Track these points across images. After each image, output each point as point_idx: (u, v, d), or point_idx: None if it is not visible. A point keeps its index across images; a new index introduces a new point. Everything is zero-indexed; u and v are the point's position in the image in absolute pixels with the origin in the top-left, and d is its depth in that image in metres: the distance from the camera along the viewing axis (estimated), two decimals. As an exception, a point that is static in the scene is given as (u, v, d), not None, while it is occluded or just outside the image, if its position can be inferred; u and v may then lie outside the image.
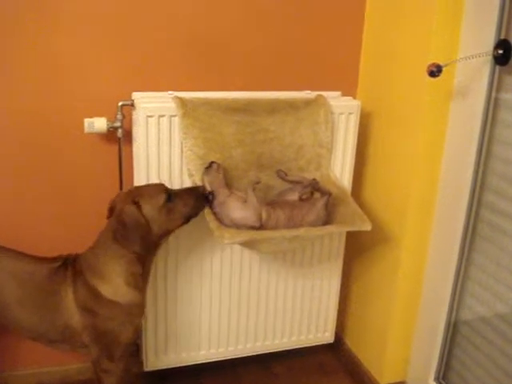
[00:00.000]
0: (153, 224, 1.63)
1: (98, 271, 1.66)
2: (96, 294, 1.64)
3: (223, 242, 1.66)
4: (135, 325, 1.72)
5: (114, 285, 1.65)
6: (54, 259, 1.72)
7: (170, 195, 1.66)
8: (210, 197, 1.74)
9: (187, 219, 1.71)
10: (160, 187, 1.69)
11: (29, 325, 1.70)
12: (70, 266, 1.69)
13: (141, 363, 2.09)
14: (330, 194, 1.85)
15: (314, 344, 2.33)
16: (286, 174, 1.91)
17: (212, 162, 1.77)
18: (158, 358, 2.07)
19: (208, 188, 1.76)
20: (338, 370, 2.39)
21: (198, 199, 1.72)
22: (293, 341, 2.28)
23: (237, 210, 1.74)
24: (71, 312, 1.66)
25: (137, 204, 1.61)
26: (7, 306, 1.67)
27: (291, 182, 1.90)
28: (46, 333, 1.70)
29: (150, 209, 1.63)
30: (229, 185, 1.81)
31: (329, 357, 2.45)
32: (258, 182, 1.82)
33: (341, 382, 2.32)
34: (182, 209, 1.68)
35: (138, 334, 1.77)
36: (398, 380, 2.21)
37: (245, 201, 1.75)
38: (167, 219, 1.66)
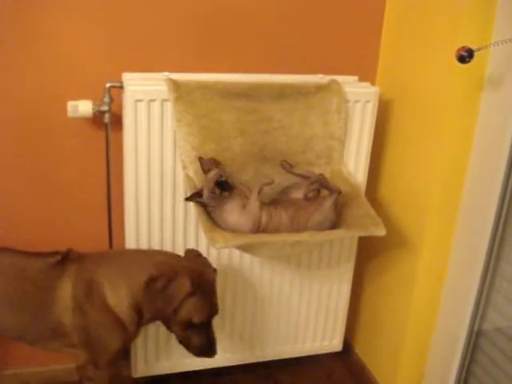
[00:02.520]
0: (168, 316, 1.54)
1: (113, 281, 1.57)
2: (100, 298, 1.56)
3: (215, 247, 1.49)
4: (127, 341, 1.64)
5: (121, 300, 1.56)
6: (50, 254, 1.64)
7: (203, 324, 1.56)
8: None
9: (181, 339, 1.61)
10: (209, 306, 1.56)
11: (15, 322, 1.64)
12: (74, 261, 1.62)
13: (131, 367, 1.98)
14: (339, 192, 1.68)
15: (320, 352, 2.19)
16: (292, 166, 1.74)
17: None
18: (148, 365, 1.95)
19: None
20: (345, 380, 2.26)
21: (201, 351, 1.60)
22: (297, 348, 2.14)
23: (233, 214, 1.58)
24: (65, 308, 1.59)
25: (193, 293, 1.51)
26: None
27: (297, 175, 1.73)
28: (33, 330, 1.64)
29: (188, 309, 1.52)
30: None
31: (336, 366, 2.31)
32: (269, 183, 1.62)
33: (348, 394, 2.17)
34: (185, 339, 1.59)
35: (128, 347, 1.70)
36: (411, 397, 2.05)
37: (245, 205, 1.58)
38: (174, 325, 1.56)
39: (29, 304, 1.61)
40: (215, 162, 1.62)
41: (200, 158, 1.62)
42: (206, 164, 1.62)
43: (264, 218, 1.59)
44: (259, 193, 1.58)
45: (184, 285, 1.49)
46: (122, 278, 1.57)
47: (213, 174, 1.57)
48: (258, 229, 1.58)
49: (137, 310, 1.57)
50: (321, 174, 1.72)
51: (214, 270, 1.62)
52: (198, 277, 1.52)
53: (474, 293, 1.79)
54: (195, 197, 1.59)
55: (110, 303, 1.56)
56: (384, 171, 2.01)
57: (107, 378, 1.65)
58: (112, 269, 1.60)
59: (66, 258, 1.63)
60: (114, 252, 1.69)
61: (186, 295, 1.49)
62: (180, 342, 1.59)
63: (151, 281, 1.49)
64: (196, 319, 1.53)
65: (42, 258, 1.63)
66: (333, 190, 1.68)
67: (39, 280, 1.61)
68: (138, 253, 1.69)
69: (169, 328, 1.58)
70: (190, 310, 1.51)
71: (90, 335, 1.59)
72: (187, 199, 1.60)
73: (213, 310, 1.57)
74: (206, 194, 1.57)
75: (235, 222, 1.56)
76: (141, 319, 1.59)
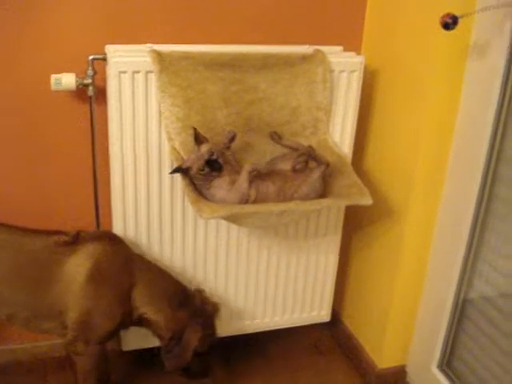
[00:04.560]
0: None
1: (146, 285, 1.67)
2: (126, 290, 1.63)
3: (202, 217, 1.48)
4: (124, 324, 1.69)
5: (141, 302, 1.65)
6: (53, 232, 1.65)
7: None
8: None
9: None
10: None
11: (10, 298, 1.61)
12: (90, 241, 1.63)
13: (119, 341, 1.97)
14: (327, 165, 1.66)
15: (308, 323, 2.19)
16: (280, 138, 1.72)
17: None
18: (137, 339, 1.92)
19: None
20: (334, 350, 2.27)
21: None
22: (285, 319, 2.13)
23: (220, 191, 1.57)
24: (73, 284, 1.58)
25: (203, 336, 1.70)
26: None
27: (285, 146, 1.72)
28: (28, 308, 1.61)
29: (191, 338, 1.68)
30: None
31: (325, 337, 2.33)
32: (256, 170, 1.59)
33: (337, 364, 2.20)
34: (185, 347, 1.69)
35: (121, 329, 1.72)
36: (398, 364, 2.08)
37: (233, 182, 1.57)
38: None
39: (26, 280, 1.59)
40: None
41: (195, 129, 1.59)
42: (200, 135, 1.59)
43: (252, 194, 1.58)
44: (250, 173, 1.56)
45: (196, 335, 1.67)
46: (150, 293, 1.66)
47: (205, 150, 1.55)
48: (245, 203, 1.57)
49: (142, 319, 1.67)
50: (309, 146, 1.70)
51: (216, 305, 1.78)
52: (205, 321, 1.71)
53: (460, 261, 1.79)
54: (181, 171, 1.57)
55: (133, 297, 1.63)
56: (370, 141, 1.99)
57: (97, 353, 1.65)
58: (147, 273, 1.67)
59: (76, 238, 1.63)
60: (141, 257, 1.73)
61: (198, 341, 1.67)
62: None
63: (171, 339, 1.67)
64: (199, 350, 1.68)
65: (45, 236, 1.62)
66: (321, 162, 1.67)
67: (42, 257, 1.60)
68: (161, 276, 1.74)
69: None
70: (197, 346, 1.68)
71: (90, 314, 1.58)
72: (172, 173, 1.58)
73: (212, 339, 1.73)
74: (194, 170, 1.55)
75: (222, 198, 1.55)
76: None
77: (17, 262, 1.59)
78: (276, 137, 1.71)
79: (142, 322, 1.67)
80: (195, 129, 1.58)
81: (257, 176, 1.61)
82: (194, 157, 1.56)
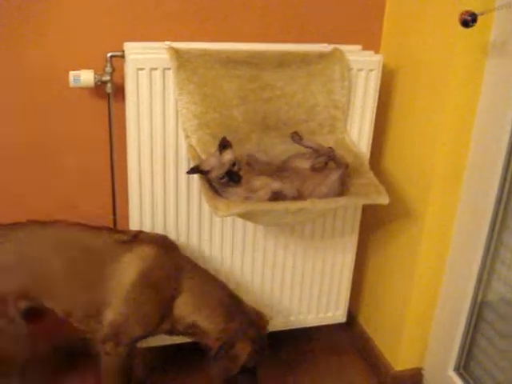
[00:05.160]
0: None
1: (194, 294, 1.67)
2: (170, 295, 1.63)
3: (217, 215, 1.48)
4: (152, 333, 1.69)
5: (186, 313, 1.66)
6: (113, 230, 1.74)
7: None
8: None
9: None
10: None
11: (68, 295, 1.62)
12: (147, 242, 1.65)
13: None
14: (346, 166, 1.65)
15: (324, 323, 2.18)
16: (301, 138, 1.71)
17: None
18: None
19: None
20: (349, 351, 2.26)
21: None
22: (301, 320, 2.13)
23: (234, 197, 1.56)
24: (121, 283, 1.59)
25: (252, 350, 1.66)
26: (52, 279, 1.60)
27: (306, 147, 1.71)
28: (82, 305, 1.63)
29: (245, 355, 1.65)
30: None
31: (340, 338, 2.31)
32: (278, 192, 1.58)
33: (353, 365, 2.19)
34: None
35: (148, 337, 1.71)
36: (414, 367, 2.06)
37: (249, 189, 1.57)
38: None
39: (83, 276, 1.61)
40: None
41: (224, 137, 1.57)
42: (224, 140, 1.57)
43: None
44: (274, 193, 1.56)
45: (246, 349, 1.63)
46: (198, 304, 1.66)
47: (227, 159, 1.53)
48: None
49: (186, 332, 1.68)
50: (330, 148, 1.69)
51: (265, 319, 1.77)
52: (255, 335, 1.67)
53: (478, 263, 1.77)
54: (199, 172, 1.56)
55: (176, 306, 1.62)
56: (388, 141, 1.98)
57: (125, 354, 1.66)
58: (196, 285, 1.67)
59: (135, 238, 1.65)
60: (195, 266, 1.74)
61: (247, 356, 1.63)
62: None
63: (221, 348, 1.63)
64: (249, 365, 1.65)
65: (107, 234, 1.65)
66: (340, 164, 1.66)
67: (99, 254, 1.61)
68: (214, 285, 1.74)
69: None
70: (247, 361, 1.65)
71: (128, 318, 1.59)
72: (189, 173, 1.57)
73: (262, 354, 1.69)
74: (213, 176, 1.54)
75: None
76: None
77: (75, 257, 1.61)
78: (297, 137, 1.70)
79: (191, 330, 1.67)
80: (224, 137, 1.56)
81: (275, 172, 1.61)
82: (216, 162, 1.54)
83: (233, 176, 1.53)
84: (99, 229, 1.67)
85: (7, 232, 1.60)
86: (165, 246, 1.68)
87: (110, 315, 1.59)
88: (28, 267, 1.58)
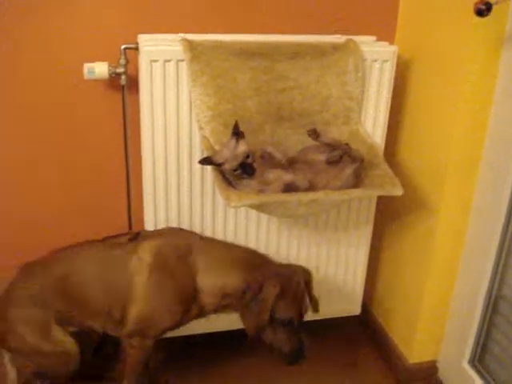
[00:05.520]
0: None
1: (211, 266, 1.64)
2: (191, 273, 1.61)
3: (230, 206, 1.48)
4: (182, 322, 1.67)
5: (211, 288, 1.63)
6: (121, 235, 1.72)
7: (291, 322, 1.59)
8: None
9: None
10: (296, 306, 1.60)
11: (101, 309, 1.65)
12: (150, 237, 1.67)
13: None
14: (361, 161, 1.65)
15: (338, 316, 2.18)
16: (318, 135, 1.66)
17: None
18: None
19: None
20: (364, 344, 2.25)
21: (290, 354, 1.62)
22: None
23: (247, 189, 1.56)
24: (138, 275, 1.60)
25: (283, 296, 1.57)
26: (85, 290, 1.65)
27: (323, 144, 1.68)
28: (109, 312, 1.65)
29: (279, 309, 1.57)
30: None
31: (354, 330, 2.30)
32: (291, 184, 1.58)
33: (367, 358, 2.18)
34: (272, 339, 1.61)
35: (177, 327, 1.69)
36: (429, 359, 2.05)
37: (263, 182, 1.57)
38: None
39: (106, 286, 1.64)
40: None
41: (236, 122, 1.56)
42: (238, 129, 1.56)
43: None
44: (286, 186, 1.56)
45: (273, 289, 1.55)
46: (219, 269, 1.63)
47: (241, 150, 1.52)
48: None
49: (218, 305, 1.65)
50: (346, 144, 1.68)
51: (306, 273, 1.68)
52: (285, 281, 1.58)
53: (493, 256, 1.76)
54: (212, 163, 1.56)
55: (199, 283, 1.61)
56: (403, 132, 1.96)
57: (151, 346, 1.68)
58: (210, 254, 1.64)
59: (137, 236, 1.68)
60: (205, 238, 1.73)
61: (277, 296, 1.55)
62: (271, 349, 1.63)
63: (247, 289, 1.58)
64: (283, 316, 1.57)
65: (113, 240, 1.69)
66: (355, 159, 1.65)
67: (113, 261, 1.64)
68: (234, 249, 1.73)
69: (262, 334, 1.62)
70: (282, 310, 1.56)
71: (152, 311, 1.60)
72: (202, 163, 1.57)
73: (301, 311, 1.61)
74: (226, 168, 1.54)
75: None
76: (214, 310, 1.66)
77: (100, 271, 1.65)
78: (313, 134, 1.66)
79: (223, 302, 1.64)
80: (236, 122, 1.55)
81: (288, 163, 1.60)
82: (229, 154, 1.53)
83: (247, 168, 1.53)
84: (108, 238, 1.71)
85: (43, 269, 1.68)
86: (169, 235, 1.69)
87: (133, 313, 1.61)
88: (67, 295, 1.64)
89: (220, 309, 1.67)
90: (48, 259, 1.69)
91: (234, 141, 1.54)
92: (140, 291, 1.59)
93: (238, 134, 1.54)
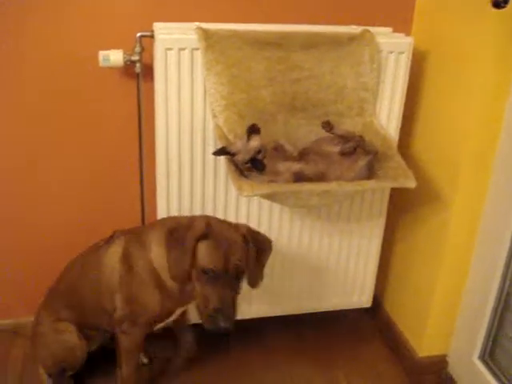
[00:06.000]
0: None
1: (159, 237, 1.58)
2: (147, 254, 1.59)
3: (242, 195, 1.48)
4: (168, 307, 1.65)
5: (163, 255, 1.55)
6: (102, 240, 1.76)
7: (214, 273, 1.45)
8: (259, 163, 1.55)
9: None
10: (221, 254, 1.45)
11: (90, 303, 1.73)
12: (122, 234, 1.69)
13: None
14: (375, 153, 1.64)
15: (349, 308, 2.18)
16: (332, 127, 1.67)
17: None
18: None
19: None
20: (374, 337, 2.25)
21: (210, 318, 1.46)
22: (326, 303, 2.12)
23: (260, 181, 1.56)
24: (115, 267, 1.64)
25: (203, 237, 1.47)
26: (80, 294, 1.74)
27: (337, 136, 1.69)
28: (102, 307, 1.70)
29: (200, 254, 1.47)
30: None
31: (365, 322, 2.30)
32: (300, 173, 1.59)
33: (377, 350, 2.18)
34: (198, 294, 1.49)
35: (170, 315, 1.69)
36: (439, 353, 2.04)
37: (277, 175, 1.57)
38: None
39: (95, 282, 1.69)
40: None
41: (254, 124, 1.57)
42: (254, 127, 1.57)
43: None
44: (295, 175, 1.57)
45: (197, 227, 1.47)
46: (160, 246, 1.57)
47: (254, 145, 1.53)
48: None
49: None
50: (360, 136, 1.68)
51: (265, 242, 1.60)
52: (216, 227, 1.49)
53: (506, 249, 1.74)
54: (226, 153, 1.57)
55: (153, 260, 1.58)
56: (418, 124, 1.95)
57: (142, 334, 1.70)
58: (159, 229, 1.60)
59: (112, 236, 1.70)
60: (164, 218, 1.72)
61: (197, 237, 1.45)
62: (198, 309, 1.52)
63: (170, 232, 1.50)
64: (209, 265, 1.45)
65: (98, 243, 1.74)
66: (369, 151, 1.65)
67: (96, 263, 1.69)
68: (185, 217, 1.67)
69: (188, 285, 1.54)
70: (204, 254, 1.46)
71: (131, 294, 1.61)
72: (216, 154, 1.58)
73: (228, 264, 1.46)
74: (238, 159, 1.55)
75: None
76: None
77: (86, 273, 1.73)
78: (327, 127, 1.67)
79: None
80: (254, 124, 1.56)
81: (301, 154, 1.60)
82: (242, 147, 1.55)
83: (257, 164, 1.54)
84: (94, 245, 1.76)
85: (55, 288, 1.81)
86: (134, 228, 1.71)
87: (118, 300, 1.64)
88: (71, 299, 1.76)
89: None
90: (58, 277, 1.82)
91: (248, 135, 1.55)
92: (118, 280, 1.63)
93: (252, 131, 1.55)
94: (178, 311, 1.69)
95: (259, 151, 1.54)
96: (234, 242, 1.48)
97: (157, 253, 1.57)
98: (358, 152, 1.66)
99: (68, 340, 1.75)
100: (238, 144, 1.56)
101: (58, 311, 1.78)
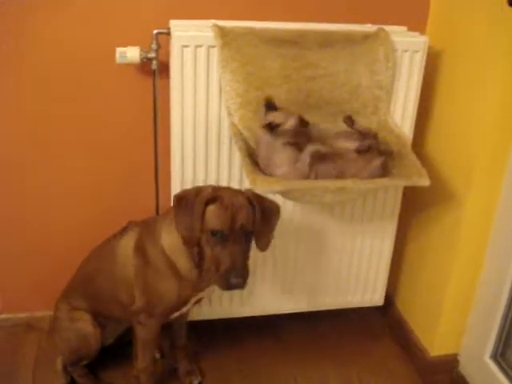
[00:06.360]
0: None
1: (169, 225, 1.60)
2: (158, 243, 1.60)
3: (256, 189, 1.49)
4: (184, 295, 1.65)
5: (175, 242, 1.58)
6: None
7: (222, 234, 1.46)
8: (273, 124, 1.57)
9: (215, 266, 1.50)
10: (228, 215, 1.46)
11: (105, 294, 1.76)
12: (135, 225, 1.70)
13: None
14: (391, 153, 1.65)
15: (361, 306, 2.18)
16: (354, 123, 1.69)
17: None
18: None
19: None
20: (385, 335, 2.25)
21: (223, 277, 1.46)
22: (339, 301, 2.13)
23: (282, 166, 1.57)
24: (128, 258, 1.66)
25: (211, 200, 1.47)
26: (96, 285, 1.77)
27: (357, 132, 1.70)
28: (118, 298, 1.72)
29: (208, 217, 1.47)
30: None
31: (377, 320, 2.30)
32: (318, 152, 1.60)
33: (388, 349, 2.18)
34: (209, 257, 1.50)
35: (185, 303, 1.69)
36: (450, 352, 2.04)
37: (296, 160, 1.58)
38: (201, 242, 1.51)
39: (110, 274, 1.72)
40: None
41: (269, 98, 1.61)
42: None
43: (312, 176, 1.58)
44: (312, 156, 1.58)
45: (205, 192, 1.48)
46: (171, 231, 1.58)
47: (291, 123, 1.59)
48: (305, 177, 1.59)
49: (187, 254, 1.58)
50: (374, 135, 1.68)
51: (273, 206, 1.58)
52: (222, 192, 1.50)
53: (520, 249, 1.74)
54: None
55: (165, 248, 1.59)
56: (432, 123, 1.95)
57: (158, 325, 1.71)
58: (169, 217, 1.60)
59: (127, 226, 1.73)
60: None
61: (206, 200, 1.46)
62: (210, 268, 1.52)
63: (178, 199, 1.50)
64: (217, 226, 1.46)
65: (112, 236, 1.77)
66: (383, 152, 1.65)
67: (111, 253, 1.72)
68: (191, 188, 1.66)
69: (203, 250, 1.53)
70: (212, 216, 1.46)
71: (147, 284, 1.63)
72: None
73: (234, 224, 1.46)
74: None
75: (281, 174, 1.57)
76: (197, 267, 1.59)
77: (102, 265, 1.76)
78: (349, 121, 1.68)
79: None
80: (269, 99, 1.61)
81: (318, 157, 1.61)
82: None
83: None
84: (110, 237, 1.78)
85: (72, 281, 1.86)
86: (147, 221, 1.71)
87: (136, 292, 1.65)
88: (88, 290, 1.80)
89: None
90: (76, 270, 1.86)
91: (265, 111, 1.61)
92: (133, 272, 1.64)
93: (270, 106, 1.60)
94: (194, 299, 1.70)
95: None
96: (240, 204, 1.48)
97: (168, 240, 1.59)
98: (373, 152, 1.66)
99: (82, 328, 1.77)
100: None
101: (74, 301, 1.81)
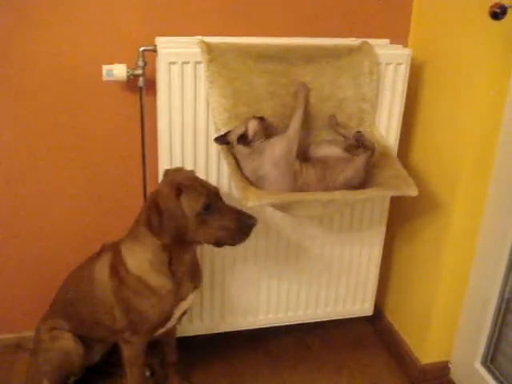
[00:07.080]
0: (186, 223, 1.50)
1: (130, 245, 1.61)
2: (125, 265, 1.61)
3: (247, 205, 1.50)
4: (165, 309, 1.64)
5: (139, 262, 1.59)
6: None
7: (210, 205, 1.49)
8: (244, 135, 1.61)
9: (217, 243, 1.54)
10: (201, 189, 1.50)
11: (86, 317, 1.74)
12: (109, 248, 1.69)
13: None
14: (373, 149, 1.67)
15: (350, 316, 2.19)
16: (338, 123, 1.75)
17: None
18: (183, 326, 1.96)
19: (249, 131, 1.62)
20: (375, 344, 2.26)
21: (239, 229, 1.51)
22: (328, 312, 2.14)
23: (271, 170, 1.60)
24: (105, 282, 1.65)
25: (178, 192, 1.48)
26: (77, 307, 1.76)
27: (339, 133, 1.74)
28: (99, 319, 1.71)
29: (187, 206, 1.48)
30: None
31: (367, 330, 2.32)
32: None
33: (378, 358, 2.19)
34: (216, 230, 1.51)
35: (169, 318, 1.68)
36: (441, 360, 2.05)
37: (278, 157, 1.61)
38: (196, 229, 1.50)
39: (90, 297, 1.70)
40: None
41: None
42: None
43: (296, 167, 1.61)
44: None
45: (168, 192, 1.48)
46: (135, 240, 1.59)
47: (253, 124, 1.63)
48: (293, 181, 1.61)
49: (157, 268, 1.58)
50: (359, 131, 1.71)
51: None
52: (177, 179, 1.52)
53: (506, 256, 1.76)
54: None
55: (132, 268, 1.59)
56: (416, 134, 1.97)
57: (144, 342, 1.71)
58: (128, 238, 1.62)
59: (101, 250, 1.71)
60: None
61: (176, 195, 1.47)
62: (219, 242, 1.53)
63: (148, 219, 1.50)
64: (200, 204, 1.47)
65: (89, 259, 1.76)
66: (368, 148, 1.68)
67: (87, 270, 1.72)
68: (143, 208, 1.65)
69: (198, 239, 1.53)
70: (190, 201, 1.48)
71: (129, 306, 1.62)
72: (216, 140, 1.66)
73: (209, 192, 1.51)
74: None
75: (275, 180, 1.59)
76: (171, 273, 1.59)
77: (81, 287, 1.74)
78: (334, 120, 1.73)
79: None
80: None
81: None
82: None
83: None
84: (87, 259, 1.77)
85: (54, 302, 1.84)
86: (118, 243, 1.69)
87: (117, 313, 1.65)
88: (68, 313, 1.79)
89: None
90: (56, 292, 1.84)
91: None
92: (112, 296, 1.64)
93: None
94: (177, 313, 1.69)
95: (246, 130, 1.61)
96: (195, 177, 1.57)
97: (132, 262, 1.60)
98: (358, 153, 1.69)
99: (64, 345, 1.76)
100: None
101: (55, 323, 1.80)
